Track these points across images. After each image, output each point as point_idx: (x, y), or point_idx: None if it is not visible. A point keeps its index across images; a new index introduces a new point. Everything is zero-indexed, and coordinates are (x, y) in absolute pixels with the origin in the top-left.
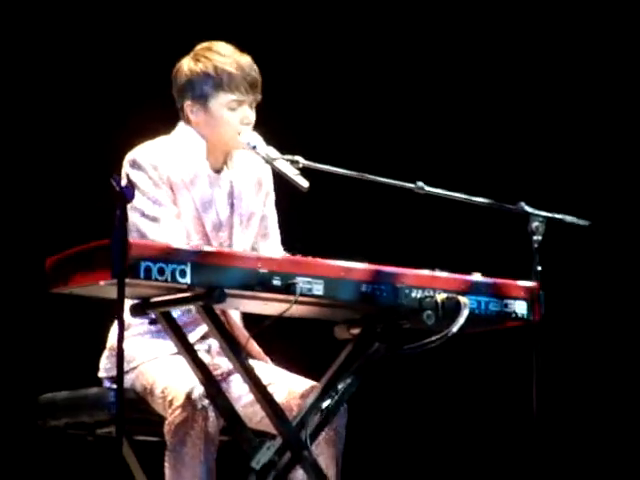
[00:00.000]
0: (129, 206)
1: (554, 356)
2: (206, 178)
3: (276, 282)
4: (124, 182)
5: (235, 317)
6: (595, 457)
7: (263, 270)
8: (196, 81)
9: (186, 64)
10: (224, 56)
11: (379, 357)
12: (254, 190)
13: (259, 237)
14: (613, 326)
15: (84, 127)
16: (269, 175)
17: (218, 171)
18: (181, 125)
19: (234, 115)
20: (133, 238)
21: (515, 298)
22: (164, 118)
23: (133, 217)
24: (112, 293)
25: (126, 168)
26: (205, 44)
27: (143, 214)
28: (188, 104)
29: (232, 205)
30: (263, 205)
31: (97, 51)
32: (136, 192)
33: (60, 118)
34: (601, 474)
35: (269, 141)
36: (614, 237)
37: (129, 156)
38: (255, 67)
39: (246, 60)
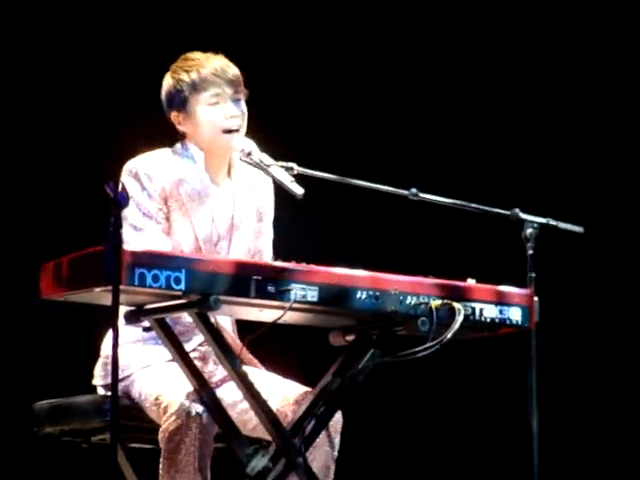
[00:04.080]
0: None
1: (549, 363)
2: (206, 190)
3: (270, 289)
4: (119, 189)
5: (227, 324)
6: (591, 462)
7: (257, 277)
8: (174, 91)
9: (164, 80)
10: (191, 60)
11: (374, 364)
12: (254, 205)
13: (254, 253)
14: (609, 332)
15: (80, 133)
16: (270, 192)
17: (219, 184)
18: (183, 141)
19: (215, 111)
20: None
21: (510, 305)
22: (163, 125)
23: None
24: (107, 300)
25: (123, 177)
26: (181, 57)
27: (130, 224)
28: (174, 115)
29: (232, 219)
30: (261, 221)
31: (96, 55)
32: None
33: (56, 125)
34: (596, 478)
35: (263, 148)
36: (609, 243)
37: (127, 165)
38: (230, 65)
39: (219, 60)
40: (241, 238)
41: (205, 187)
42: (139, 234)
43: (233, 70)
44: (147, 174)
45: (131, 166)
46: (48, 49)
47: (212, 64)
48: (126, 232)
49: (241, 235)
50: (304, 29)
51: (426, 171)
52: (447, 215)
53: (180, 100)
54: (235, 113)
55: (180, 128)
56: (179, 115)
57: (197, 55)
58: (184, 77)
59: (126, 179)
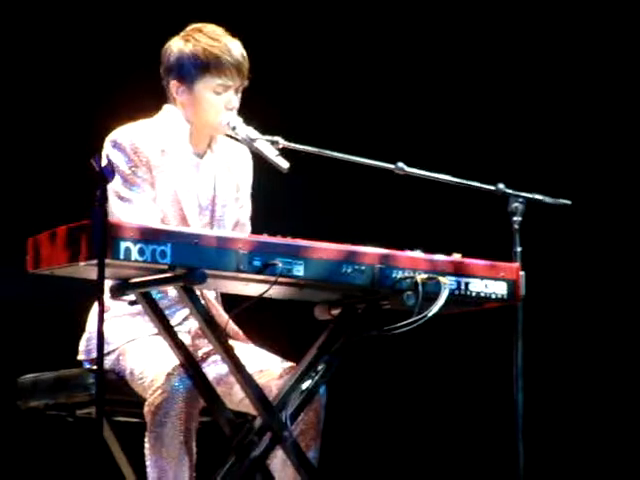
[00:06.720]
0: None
1: (535, 337)
2: (188, 162)
3: (256, 263)
4: (104, 162)
5: (211, 297)
6: (577, 437)
7: (243, 251)
8: (184, 62)
9: (175, 44)
10: (214, 39)
11: (359, 338)
12: (235, 177)
13: (235, 225)
14: (594, 306)
15: (65, 106)
16: (249, 166)
17: (201, 155)
18: (167, 107)
19: (219, 99)
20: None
21: (495, 279)
22: (148, 98)
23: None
24: (92, 274)
25: (107, 148)
26: (196, 25)
27: (118, 195)
28: (174, 83)
29: (214, 189)
30: (239, 192)
31: (80, 29)
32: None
33: (41, 98)
34: (582, 455)
35: (249, 122)
36: (594, 217)
37: (110, 136)
38: (244, 52)
39: (236, 45)
40: (224, 210)
41: (189, 158)
42: (127, 205)
43: (246, 61)
44: (131, 144)
45: (115, 137)
46: (33, 23)
47: (233, 53)
48: (115, 205)
49: (224, 207)
50: (292, 3)
51: (412, 146)
52: (433, 189)
53: (188, 74)
54: (235, 105)
55: (175, 97)
56: (180, 85)
57: (220, 32)
58: (200, 54)
59: (110, 150)
